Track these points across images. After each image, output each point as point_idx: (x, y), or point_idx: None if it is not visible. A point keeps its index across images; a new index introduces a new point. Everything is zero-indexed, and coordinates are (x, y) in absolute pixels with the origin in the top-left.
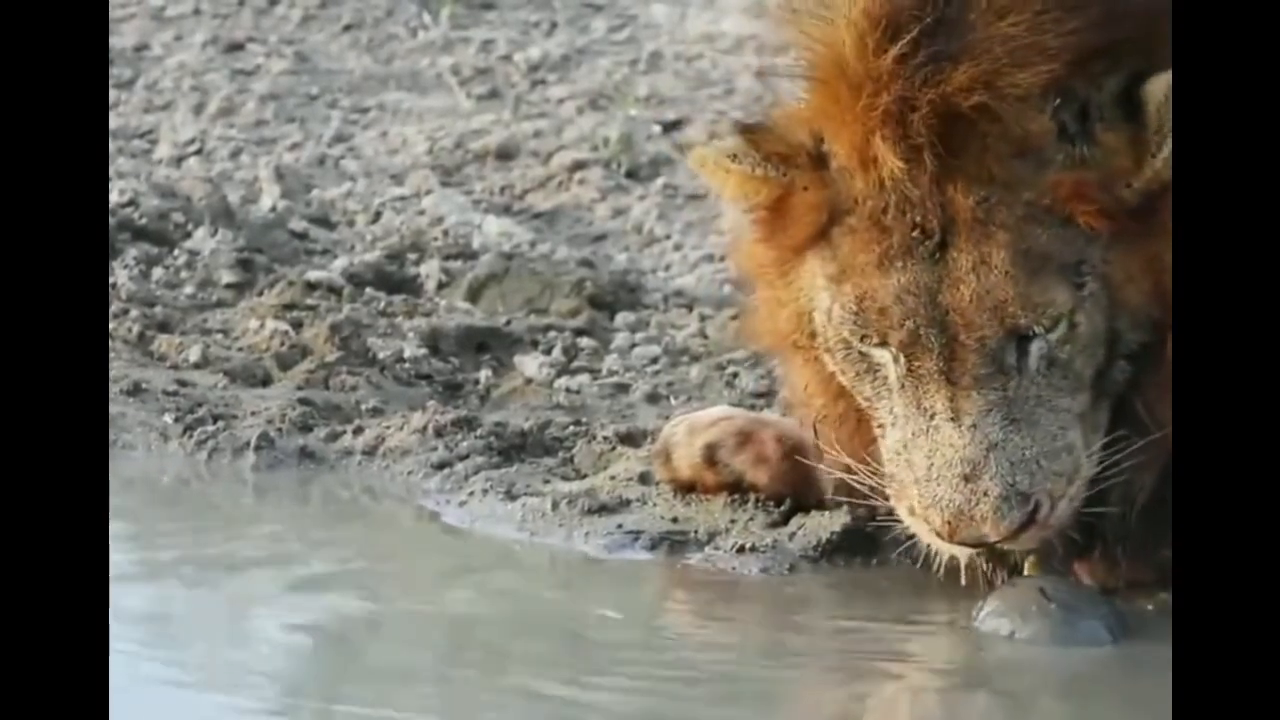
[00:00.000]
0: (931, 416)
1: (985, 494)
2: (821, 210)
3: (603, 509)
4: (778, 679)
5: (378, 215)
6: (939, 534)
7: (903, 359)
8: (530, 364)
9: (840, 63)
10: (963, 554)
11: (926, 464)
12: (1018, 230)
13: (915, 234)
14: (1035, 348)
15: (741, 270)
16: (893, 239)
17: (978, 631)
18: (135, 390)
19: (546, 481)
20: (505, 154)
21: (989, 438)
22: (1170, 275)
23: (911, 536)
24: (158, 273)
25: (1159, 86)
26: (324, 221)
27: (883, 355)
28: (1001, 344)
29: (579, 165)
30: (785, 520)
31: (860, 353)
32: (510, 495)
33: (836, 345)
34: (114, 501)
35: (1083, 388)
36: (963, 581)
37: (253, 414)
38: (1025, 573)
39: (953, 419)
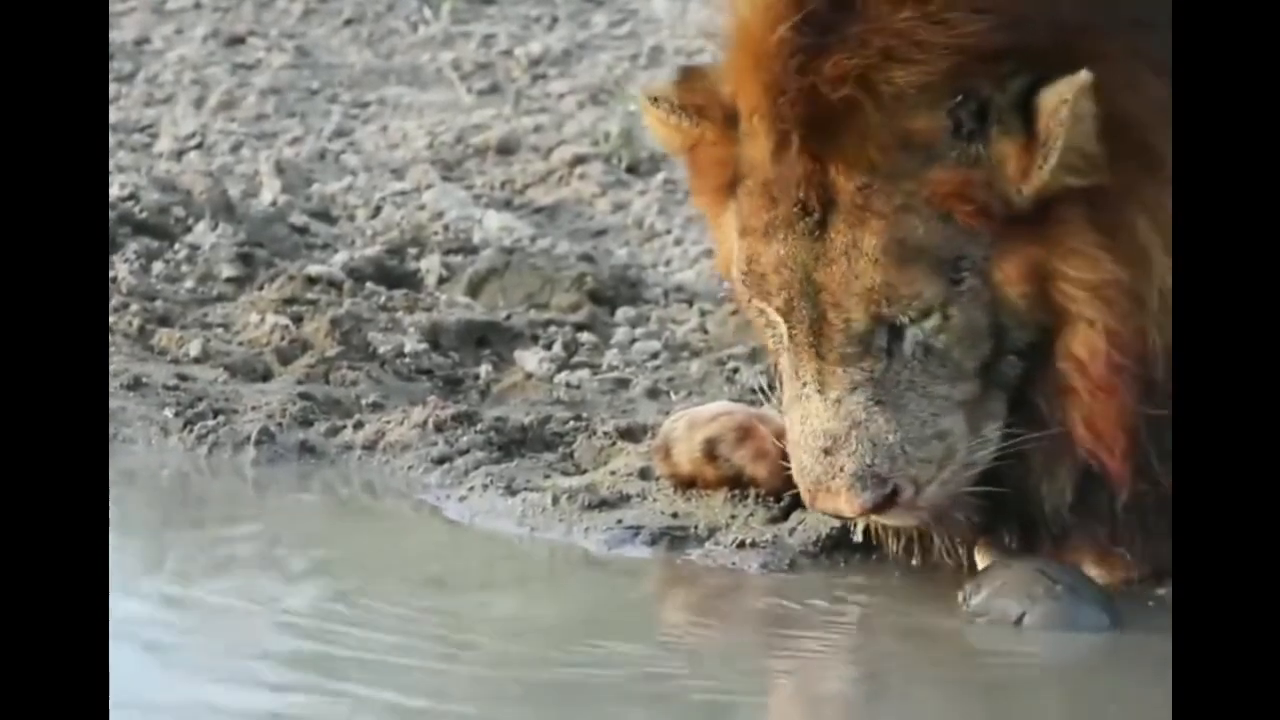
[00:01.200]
0: (804, 385)
1: (841, 469)
2: (725, 166)
3: (603, 504)
4: (778, 676)
5: (378, 210)
6: (804, 500)
7: (783, 324)
8: (530, 359)
9: (744, 32)
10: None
11: (799, 429)
12: (894, 219)
13: (797, 209)
14: (909, 334)
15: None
16: (778, 209)
17: (979, 616)
18: (135, 384)
19: (547, 476)
20: (506, 149)
21: (852, 415)
22: (1055, 283)
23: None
24: (158, 267)
25: (1052, 96)
26: (324, 216)
27: (775, 314)
28: (868, 328)
29: (579, 160)
30: (785, 516)
31: (759, 308)
32: (510, 490)
33: (740, 296)
34: (114, 495)
35: (965, 377)
36: (966, 570)
37: (253, 408)
38: (977, 559)
39: (820, 391)
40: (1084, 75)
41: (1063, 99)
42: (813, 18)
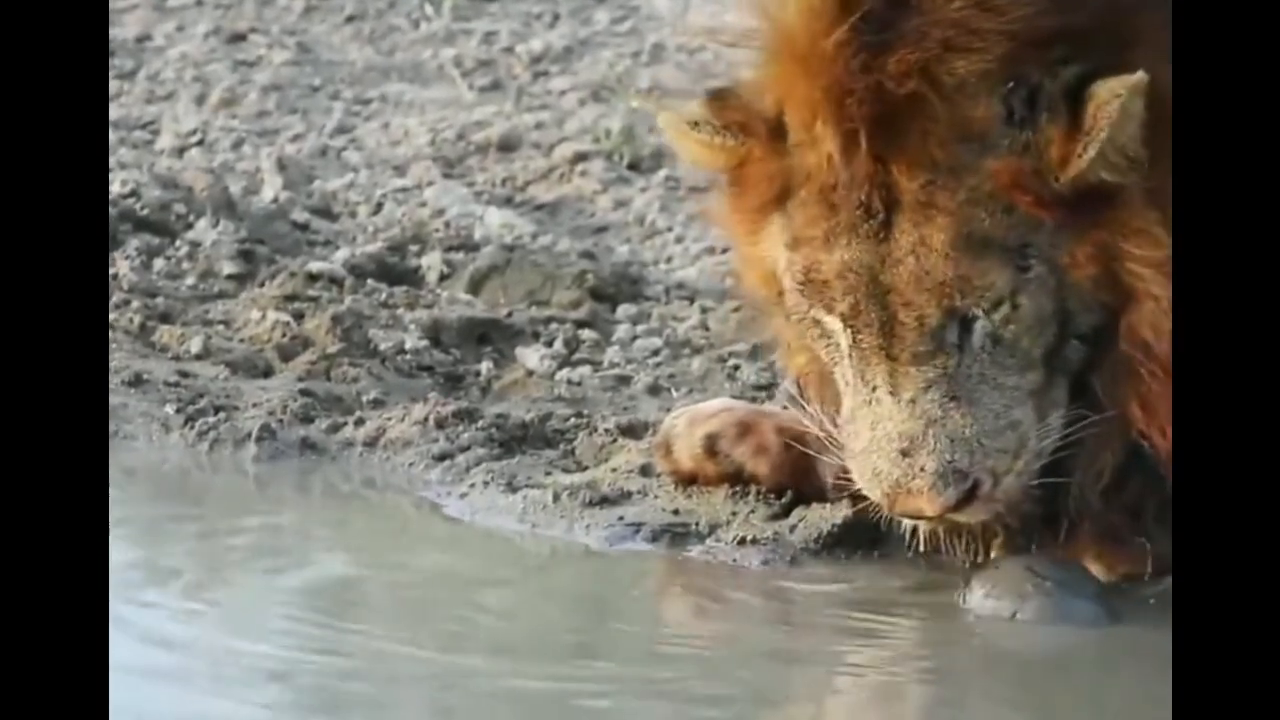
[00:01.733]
0: (874, 389)
1: (922, 469)
2: (775, 180)
3: (604, 501)
4: (779, 670)
5: (379, 206)
6: (881, 505)
7: (848, 330)
8: (531, 356)
9: (791, 40)
10: (922, 526)
11: (869, 435)
12: (960, 214)
13: (859, 212)
14: (979, 327)
15: (718, 227)
16: (839, 216)
17: (975, 614)
18: (137, 381)
19: (548, 473)
20: (507, 146)
21: (927, 414)
22: (1122, 264)
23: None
24: (159, 263)
25: (1106, 89)
26: (326, 213)
27: (834, 323)
28: (941, 323)
29: (581, 157)
30: (786, 512)
31: (814, 319)
32: (511, 487)
33: (794, 309)
34: (115, 492)
35: (1032, 366)
36: (963, 564)
37: (254, 405)
38: (993, 554)
39: (892, 393)
40: (1140, 75)
41: (1115, 93)
42: (870, 16)
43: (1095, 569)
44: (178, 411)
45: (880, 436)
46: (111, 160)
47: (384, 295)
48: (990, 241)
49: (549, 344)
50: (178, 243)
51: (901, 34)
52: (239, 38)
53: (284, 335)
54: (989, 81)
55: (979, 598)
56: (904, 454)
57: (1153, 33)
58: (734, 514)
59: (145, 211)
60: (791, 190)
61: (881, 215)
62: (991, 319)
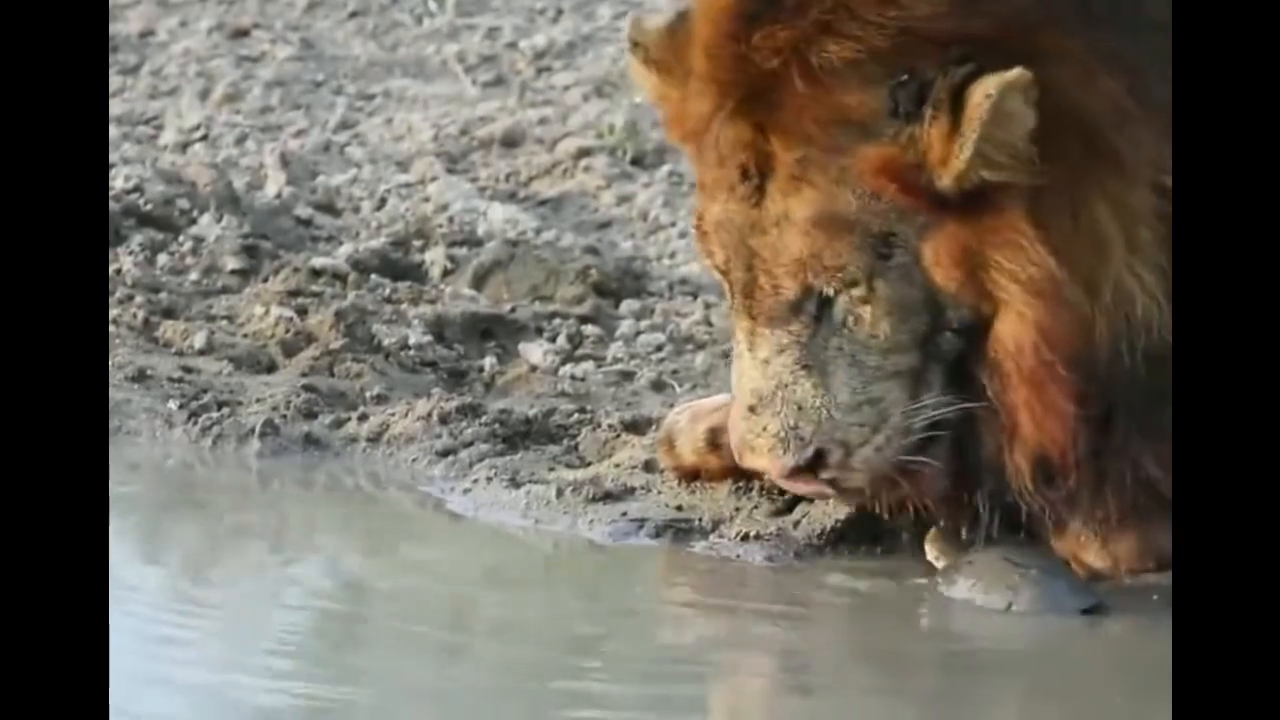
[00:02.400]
0: (738, 343)
1: (765, 429)
2: (684, 122)
3: (607, 496)
4: (780, 667)
5: (383, 202)
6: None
7: (725, 282)
8: (535, 351)
9: None
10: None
11: (735, 387)
12: (826, 192)
13: (738, 172)
14: (839, 303)
15: None
16: (722, 170)
17: (967, 606)
18: (140, 376)
19: (551, 469)
20: (510, 141)
21: (778, 376)
22: (988, 272)
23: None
24: (163, 259)
25: (979, 89)
26: (329, 208)
27: (717, 271)
28: (796, 295)
29: (584, 152)
30: (790, 508)
31: (707, 263)
32: (515, 483)
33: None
34: (118, 487)
35: (899, 348)
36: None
37: (257, 400)
38: (927, 544)
39: (750, 350)
40: (1016, 72)
41: (987, 93)
42: None
43: (1096, 561)
44: (181, 407)
45: (739, 391)
46: (115, 156)
47: (387, 291)
48: (853, 224)
49: (552, 339)
50: (181, 238)
51: (781, 7)
52: (242, 33)
53: (287, 331)
54: (870, 71)
55: (968, 590)
56: (752, 410)
57: (1069, 51)
58: (737, 509)
59: (149, 207)
60: (699, 134)
61: (756, 179)
62: (848, 297)
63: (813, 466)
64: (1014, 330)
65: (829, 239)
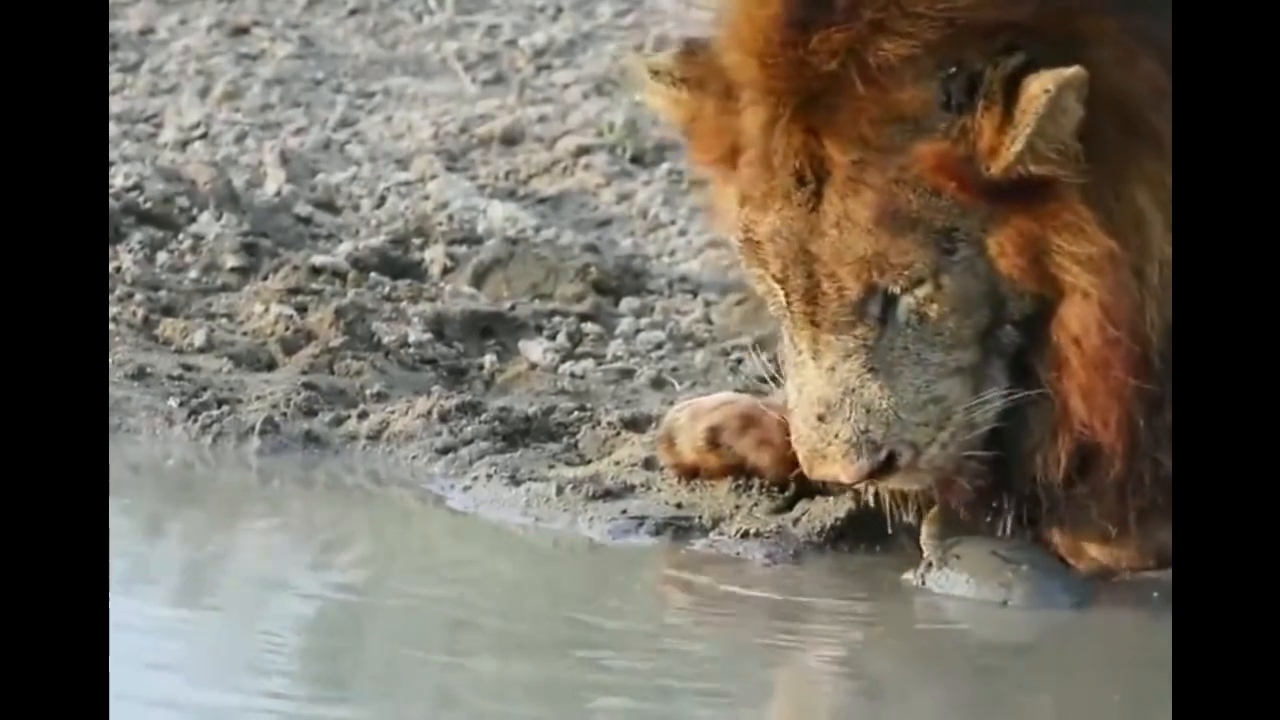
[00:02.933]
0: (799, 353)
1: (836, 436)
2: (724, 137)
3: (607, 494)
4: (781, 666)
5: (382, 200)
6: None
7: (781, 291)
8: (535, 349)
9: (738, 5)
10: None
11: (796, 397)
12: (886, 191)
13: (793, 179)
14: (903, 302)
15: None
16: (775, 179)
17: (964, 601)
18: (140, 374)
19: (551, 467)
20: (510, 139)
21: (846, 382)
22: (1051, 257)
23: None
24: (162, 257)
25: (1037, 82)
26: (329, 206)
27: (773, 281)
28: (861, 296)
29: (584, 150)
30: (790, 506)
31: (758, 274)
32: (515, 480)
33: (745, 265)
34: (118, 486)
35: (962, 344)
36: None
37: (257, 398)
38: (924, 525)
39: (814, 358)
40: (1074, 70)
41: (1045, 87)
42: None
43: (1098, 558)
44: (181, 405)
45: (803, 400)
46: (115, 154)
47: (387, 289)
48: (915, 222)
49: (552, 337)
50: (181, 236)
51: (833, 10)
52: (242, 31)
53: (287, 329)
54: (921, 65)
55: (961, 586)
56: (821, 419)
57: (1108, 33)
58: (737, 507)
59: (148, 205)
60: (741, 149)
61: (812, 185)
62: (914, 295)
63: (884, 469)
64: (1079, 311)
65: (893, 237)
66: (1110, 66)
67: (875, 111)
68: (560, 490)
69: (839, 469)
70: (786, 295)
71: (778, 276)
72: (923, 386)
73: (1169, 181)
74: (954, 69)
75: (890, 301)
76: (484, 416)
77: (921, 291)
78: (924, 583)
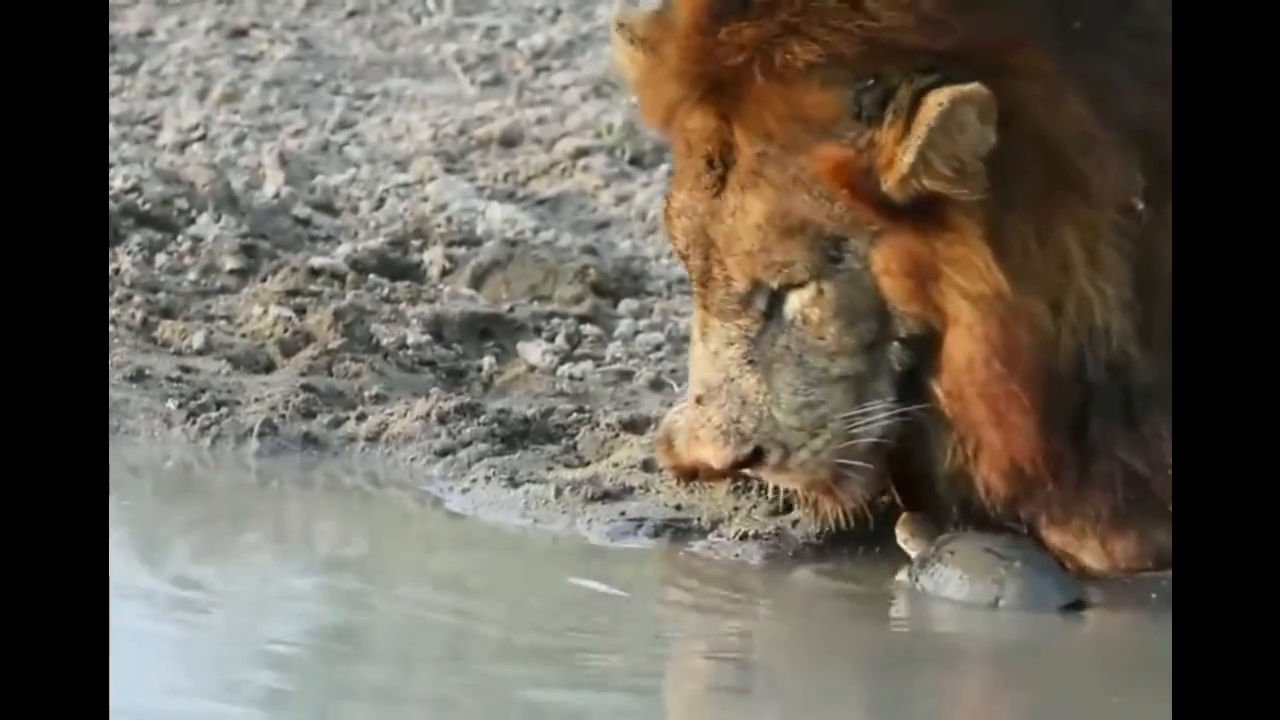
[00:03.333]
0: (694, 332)
1: (709, 420)
2: (654, 108)
3: (606, 496)
4: (782, 664)
5: (381, 202)
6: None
7: (686, 269)
8: (534, 351)
9: None
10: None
11: (687, 377)
12: (783, 189)
13: (704, 161)
14: (790, 301)
15: None
16: (690, 159)
17: (957, 601)
18: (138, 376)
19: (550, 469)
20: (509, 141)
21: (726, 369)
22: (938, 285)
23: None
24: (161, 259)
25: (935, 97)
26: (328, 208)
27: (680, 258)
28: (748, 289)
29: (583, 152)
30: (788, 507)
31: (673, 249)
32: (513, 482)
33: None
34: (117, 488)
35: (845, 353)
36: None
37: (256, 400)
38: (897, 528)
39: (703, 339)
40: (973, 86)
41: (939, 101)
42: None
43: (1094, 560)
44: (179, 407)
45: (689, 381)
46: (114, 155)
47: (386, 290)
48: (805, 224)
49: (551, 339)
50: (180, 238)
51: (750, 7)
52: (240, 33)
53: (286, 330)
54: (835, 74)
55: (954, 584)
56: (699, 401)
57: (1041, 71)
58: (736, 509)
59: (147, 207)
60: (675, 121)
61: (720, 170)
62: (799, 297)
63: (751, 462)
64: (964, 345)
65: (780, 236)
66: (1037, 104)
67: (781, 108)
68: (559, 492)
69: (709, 453)
70: (690, 273)
71: (682, 253)
72: (801, 389)
73: (1097, 223)
74: (871, 82)
75: (777, 298)
76: (483, 418)
77: (804, 294)
78: (917, 581)
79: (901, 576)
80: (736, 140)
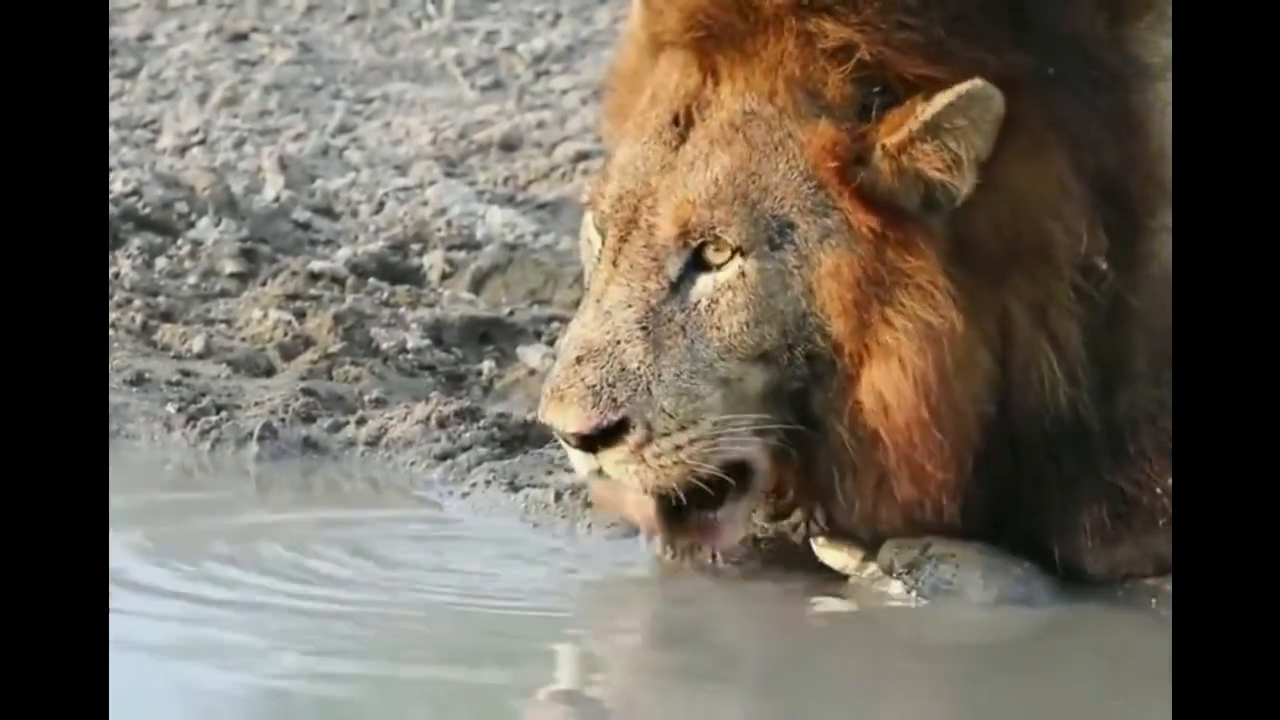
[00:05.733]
0: (586, 297)
1: (582, 379)
2: (628, 89)
3: None
4: (783, 664)
5: (381, 206)
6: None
7: (599, 233)
8: (533, 355)
9: None
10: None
11: (565, 341)
12: (762, 151)
13: (669, 118)
14: (702, 281)
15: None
16: (653, 111)
17: (949, 599)
18: (138, 380)
19: (549, 473)
20: (509, 145)
21: (616, 331)
22: (883, 309)
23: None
24: (161, 262)
25: (953, 90)
26: (327, 212)
27: (595, 234)
28: (667, 242)
29: (582, 156)
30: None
31: (588, 224)
32: (513, 486)
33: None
34: (117, 491)
35: (736, 353)
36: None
37: (256, 404)
38: (821, 549)
39: (598, 301)
40: (978, 83)
41: (959, 93)
42: None
43: (1094, 566)
44: (179, 411)
45: (569, 340)
46: (114, 159)
47: (386, 294)
48: (763, 195)
49: (551, 343)
50: (180, 242)
51: None
52: (241, 37)
53: (286, 334)
54: (852, 65)
55: (950, 583)
56: (578, 360)
57: (1021, 117)
58: None
59: (147, 210)
60: (640, 92)
61: (682, 127)
62: (714, 277)
63: (610, 436)
64: (891, 381)
65: (733, 195)
66: (1021, 159)
67: (796, 73)
68: (558, 496)
69: (571, 415)
70: (604, 235)
71: (605, 212)
72: (684, 374)
73: (1051, 286)
74: (879, 89)
75: (689, 272)
76: (482, 422)
77: (721, 276)
78: (914, 588)
79: (896, 581)
80: (720, 96)
